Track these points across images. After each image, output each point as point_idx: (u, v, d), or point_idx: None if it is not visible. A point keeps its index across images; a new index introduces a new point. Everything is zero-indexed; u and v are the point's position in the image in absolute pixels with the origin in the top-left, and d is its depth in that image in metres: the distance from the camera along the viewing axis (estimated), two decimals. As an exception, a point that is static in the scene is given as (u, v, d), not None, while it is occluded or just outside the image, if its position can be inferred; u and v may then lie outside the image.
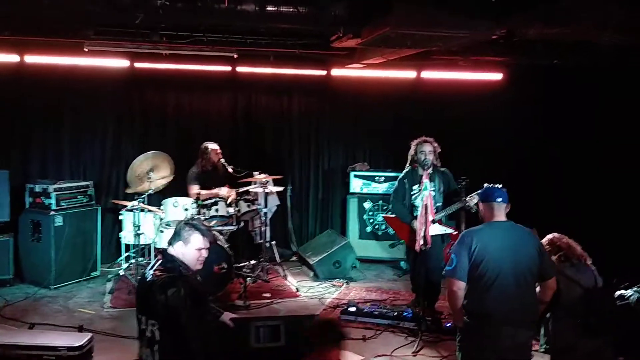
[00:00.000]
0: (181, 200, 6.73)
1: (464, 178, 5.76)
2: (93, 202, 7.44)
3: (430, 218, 5.52)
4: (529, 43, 5.97)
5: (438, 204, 5.87)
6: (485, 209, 3.99)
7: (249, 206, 7.21)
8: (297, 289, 7.05)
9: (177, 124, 8.47)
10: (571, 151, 7.89)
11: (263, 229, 7.45)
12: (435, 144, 5.99)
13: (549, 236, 4.41)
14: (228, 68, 7.75)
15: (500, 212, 3.92)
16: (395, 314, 5.94)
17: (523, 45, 6.11)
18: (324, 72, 8.09)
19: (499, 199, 3.93)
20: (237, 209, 7.04)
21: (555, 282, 3.93)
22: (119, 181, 8.08)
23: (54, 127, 7.91)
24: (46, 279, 6.83)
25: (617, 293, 4.51)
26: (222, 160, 7.24)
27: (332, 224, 8.94)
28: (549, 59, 6.92)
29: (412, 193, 6.01)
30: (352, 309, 6.07)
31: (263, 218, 7.35)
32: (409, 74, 8.11)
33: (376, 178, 8.51)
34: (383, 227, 8.30)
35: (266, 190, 7.20)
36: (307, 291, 7.04)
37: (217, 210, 6.74)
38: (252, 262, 7.32)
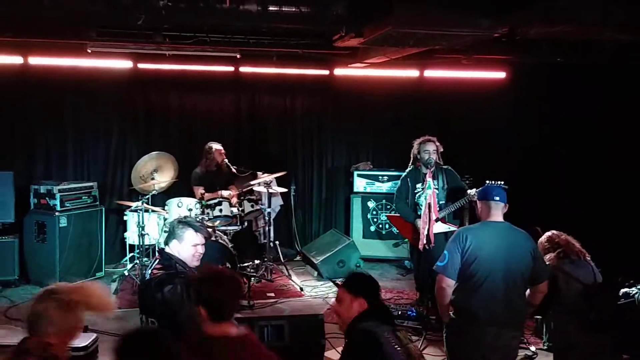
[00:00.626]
0: (185, 201, 6.75)
1: (467, 177, 5.76)
2: (97, 202, 7.47)
3: (434, 217, 5.52)
4: (531, 41, 5.96)
5: (441, 202, 5.87)
6: (482, 207, 3.99)
7: (252, 206, 7.22)
8: (301, 288, 7.06)
9: (180, 125, 8.49)
10: (575, 149, 7.87)
11: (267, 228, 7.46)
12: (438, 143, 5.99)
13: (548, 233, 4.42)
14: (231, 68, 7.76)
15: (497, 211, 3.91)
16: (400, 312, 5.95)
17: (526, 43, 6.09)
18: (326, 72, 8.08)
19: (497, 198, 3.91)
20: (241, 209, 7.05)
21: (546, 286, 3.92)
22: (123, 182, 8.10)
23: (57, 128, 7.94)
24: (51, 279, 6.80)
25: (622, 291, 4.50)
26: (226, 160, 7.25)
27: (336, 224, 8.95)
28: (552, 57, 6.91)
29: (415, 192, 6.01)
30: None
31: (267, 218, 7.36)
32: (412, 73, 8.09)
33: (379, 177, 8.51)
34: (387, 226, 8.30)
35: (270, 190, 7.21)
36: (311, 291, 7.04)
37: (221, 210, 6.76)
38: (256, 261, 7.33)
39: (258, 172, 7.46)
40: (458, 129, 8.06)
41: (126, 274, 7.05)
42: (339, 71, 8.05)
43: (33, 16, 5.30)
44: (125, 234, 7.37)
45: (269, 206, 7.30)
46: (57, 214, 6.92)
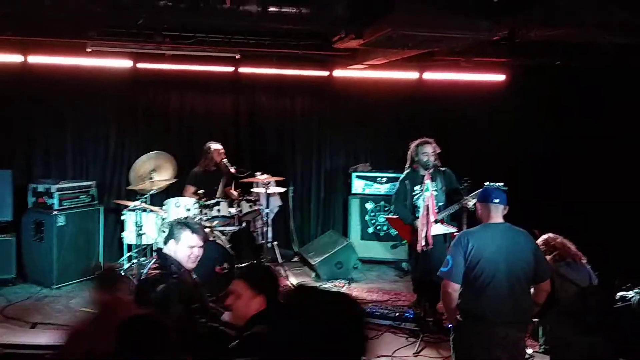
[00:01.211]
0: (183, 201, 6.74)
1: (466, 179, 5.76)
2: (95, 202, 7.45)
3: (432, 219, 5.53)
4: (531, 44, 5.97)
5: (440, 204, 5.87)
6: (482, 209, 3.99)
7: (250, 206, 7.22)
8: (298, 289, 7.04)
9: (179, 125, 8.49)
10: (574, 152, 7.87)
11: (265, 229, 7.46)
12: (435, 145, 5.99)
13: (544, 236, 4.44)
14: (231, 69, 7.76)
15: (497, 213, 3.92)
16: (397, 314, 5.95)
17: (525, 46, 6.10)
18: (326, 73, 8.09)
19: (496, 200, 3.93)
20: (239, 209, 7.05)
21: (549, 284, 3.94)
22: (121, 181, 8.09)
23: (56, 127, 7.93)
24: (48, 278, 6.85)
25: (619, 294, 4.51)
26: (225, 160, 7.25)
27: (334, 225, 8.94)
28: (552, 60, 6.92)
29: (413, 194, 6.01)
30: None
31: (265, 218, 7.36)
32: (412, 75, 8.10)
33: (378, 179, 8.51)
34: (385, 227, 8.30)
35: (268, 191, 7.21)
36: (309, 292, 7.03)
37: (219, 210, 6.75)
38: (254, 262, 7.31)
39: (257, 173, 7.46)
40: (457, 131, 8.06)
41: (123, 273, 7.04)
42: (338, 72, 8.05)
43: (33, 15, 5.30)
44: (123, 234, 7.35)
45: (267, 207, 7.30)
46: (55, 212, 6.90)
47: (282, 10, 5.05)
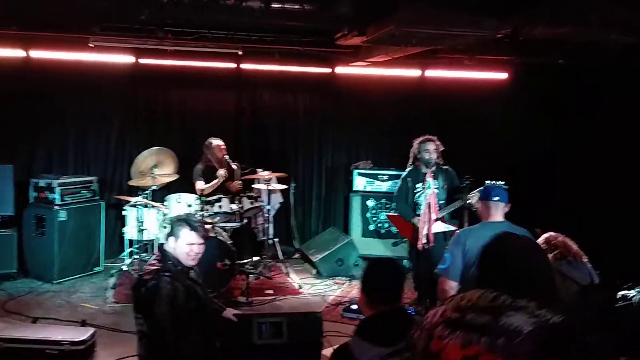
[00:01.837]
0: (185, 196, 6.75)
1: (468, 177, 5.76)
2: (97, 197, 7.47)
3: (434, 216, 5.53)
4: (534, 42, 5.96)
5: (441, 202, 5.87)
6: (482, 207, 3.98)
7: (252, 203, 7.22)
8: (299, 286, 7.06)
9: (181, 120, 8.49)
10: (577, 151, 7.86)
11: (266, 226, 7.46)
12: (438, 142, 5.99)
13: (545, 235, 4.43)
14: (233, 65, 7.76)
15: (497, 211, 3.90)
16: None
17: (528, 44, 6.10)
18: (328, 70, 8.08)
19: (496, 198, 3.90)
20: (240, 205, 7.06)
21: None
22: (122, 177, 8.09)
23: (58, 122, 7.93)
24: (49, 273, 6.86)
25: (620, 293, 4.51)
26: (226, 156, 7.25)
27: (335, 222, 8.95)
28: (555, 58, 6.91)
29: (415, 191, 6.01)
30: (355, 306, 6.07)
31: (266, 215, 7.37)
32: (414, 73, 8.10)
33: (379, 176, 8.51)
34: (386, 225, 8.30)
35: (269, 188, 7.21)
36: (310, 288, 7.05)
37: (220, 206, 6.75)
38: (255, 258, 7.33)
39: (258, 169, 7.46)
40: (459, 129, 8.04)
41: (125, 268, 7.05)
42: (340, 69, 8.05)
43: (36, 10, 5.30)
44: (124, 229, 7.37)
45: (269, 203, 7.30)
46: (56, 207, 6.91)
47: (285, 6, 5.04)
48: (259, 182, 7.38)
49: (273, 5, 5.00)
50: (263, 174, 7.31)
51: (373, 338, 2.52)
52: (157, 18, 5.72)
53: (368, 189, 8.53)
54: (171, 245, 3.65)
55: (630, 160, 7.25)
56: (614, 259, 4.93)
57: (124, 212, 7.35)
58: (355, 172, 8.61)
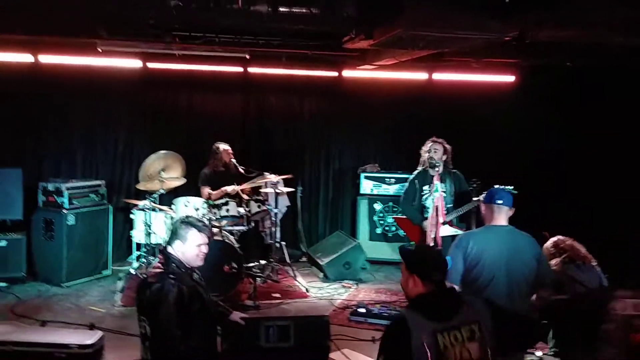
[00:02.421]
0: (192, 200, 6.77)
1: (475, 180, 5.74)
2: (105, 201, 7.49)
3: (441, 220, 5.51)
4: (540, 44, 5.95)
5: (449, 206, 5.86)
6: (486, 210, 3.95)
7: (259, 206, 7.23)
8: (306, 289, 7.06)
9: (188, 124, 8.52)
10: (584, 153, 7.83)
11: (273, 229, 7.46)
12: (447, 145, 5.98)
13: (554, 239, 4.42)
14: (240, 69, 7.78)
15: (501, 215, 3.87)
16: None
17: (535, 46, 6.08)
18: (335, 74, 8.09)
19: (500, 201, 3.86)
20: (247, 209, 7.06)
21: (550, 291, 3.90)
22: (130, 180, 8.13)
23: (66, 126, 7.99)
24: (58, 276, 6.89)
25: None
26: (234, 160, 7.27)
27: (342, 225, 8.93)
28: (561, 60, 6.89)
29: (422, 194, 6.00)
30: (362, 310, 6.07)
31: (273, 218, 7.37)
32: (421, 76, 8.10)
33: (386, 179, 8.50)
34: (393, 228, 8.29)
35: (277, 191, 7.21)
36: (317, 292, 7.04)
37: (227, 210, 6.77)
38: (262, 262, 7.32)
39: (265, 173, 7.47)
40: (467, 131, 8.02)
41: (132, 272, 7.06)
42: (347, 73, 8.05)
43: (44, 14, 5.33)
44: (132, 233, 7.39)
45: (276, 207, 7.30)
46: (65, 211, 6.94)
47: (293, 10, 5.05)
48: (266, 186, 7.38)
49: (280, 9, 5.02)
50: (270, 177, 7.32)
51: (426, 313, 2.68)
52: (166, 22, 5.74)
53: (375, 192, 8.52)
54: (179, 249, 3.63)
55: (639, 161, 7.21)
56: (623, 262, 4.92)
57: (131, 216, 7.38)
58: (362, 175, 8.61)
